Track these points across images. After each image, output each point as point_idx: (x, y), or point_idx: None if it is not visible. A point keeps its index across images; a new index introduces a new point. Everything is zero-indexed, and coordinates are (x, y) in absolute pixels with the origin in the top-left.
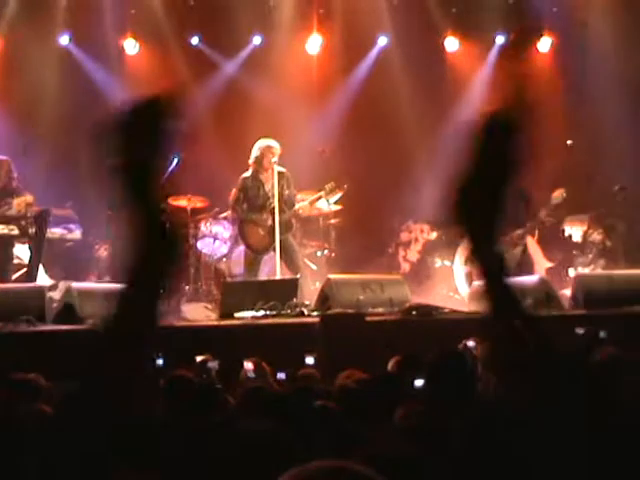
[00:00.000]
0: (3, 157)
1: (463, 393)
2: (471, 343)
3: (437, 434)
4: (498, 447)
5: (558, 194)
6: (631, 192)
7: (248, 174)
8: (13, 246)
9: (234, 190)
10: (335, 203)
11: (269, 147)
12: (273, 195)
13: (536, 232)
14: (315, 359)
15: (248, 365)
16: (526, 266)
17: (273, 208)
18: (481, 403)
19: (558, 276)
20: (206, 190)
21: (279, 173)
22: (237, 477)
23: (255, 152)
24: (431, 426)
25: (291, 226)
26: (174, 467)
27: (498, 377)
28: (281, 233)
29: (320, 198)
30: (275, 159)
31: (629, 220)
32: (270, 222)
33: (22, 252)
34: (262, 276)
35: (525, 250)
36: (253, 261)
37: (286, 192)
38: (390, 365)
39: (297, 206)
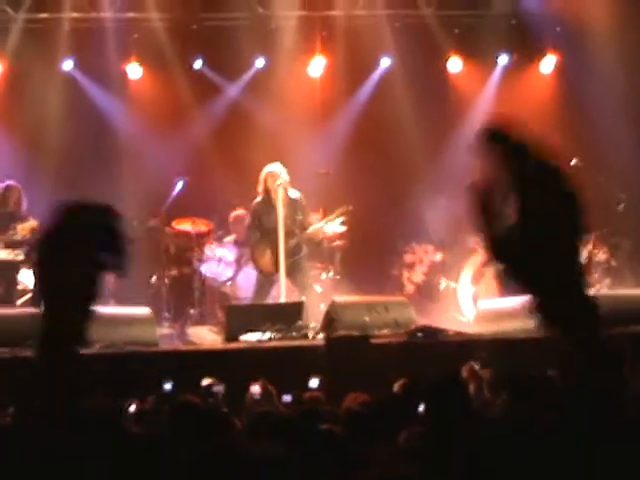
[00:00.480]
0: (14, 183)
1: (462, 415)
2: (477, 365)
3: (439, 456)
4: (499, 468)
5: None
6: (636, 209)
7: (258, 199)
8: (18, 271)
9: (249, 216)
10: (340, 225)
11: (270, 172)
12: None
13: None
14: (320, 381)
15: (255, 388)
16: None
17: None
18: (482, 424)
19: None
20: (208, 213)
21: (291, 199)
22: None
23: (260, 183)
24: (433, 448)
25: (300, 250)
26: None
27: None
28: (290, 256)
29: (324, 231)
30: (279, 181)
31: (634, 238)
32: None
33: (27, 277)
34: (269, 299)
35: None
36: (263, 285)
37: (299, 217)
38: (396, 388)
39: (309, 230)
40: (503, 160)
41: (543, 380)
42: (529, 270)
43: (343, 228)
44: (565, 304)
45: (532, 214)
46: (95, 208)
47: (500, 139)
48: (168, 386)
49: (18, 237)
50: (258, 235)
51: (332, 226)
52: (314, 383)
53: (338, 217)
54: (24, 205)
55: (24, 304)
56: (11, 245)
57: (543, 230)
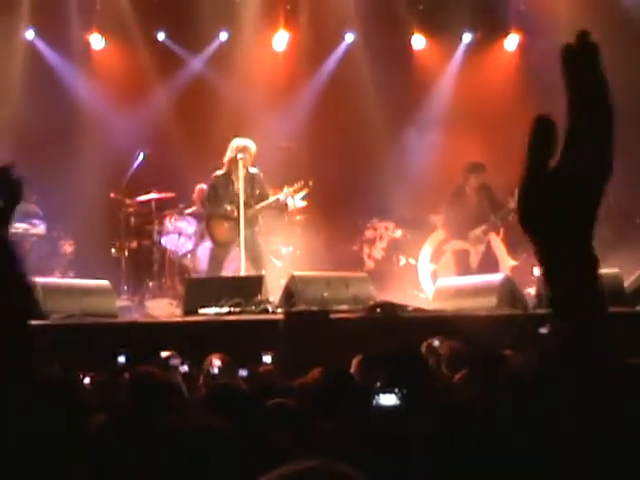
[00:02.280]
0: None
1: (421, 388)
2: (436, 342)
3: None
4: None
5: None
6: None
7: (220, 172)
8: None
9: (206, 187)
10: (301, 200)
11: (245, 147)
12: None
13: (501, 229)
14: (273, 356)
15: (215, 361)
16: (490, 263)
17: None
18: (441, 399)
19: (523, 275)
20: (171, 186)
21: (250, 174)
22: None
23: (230, 152)
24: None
25: (256, 222)
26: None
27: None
28: (247, 228)
29: (283, 200)
30: (242, 156)
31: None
32: (235, 215)
33: None
34: (228, 273)
35: (489, 247)
36: (217, 257)
37: (257, 192)
38: (353, 364)
39: (260, 205)
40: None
41: (500, 359)
42: (552, 224)
43: (304, 203)
44: (578, 277)
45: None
46: None
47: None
48: (122, 359)
49: None
50: (215, 207)
51: (293, 200)
52: (267, 359)
53: (299, 192)
54: None
55: None
56: None
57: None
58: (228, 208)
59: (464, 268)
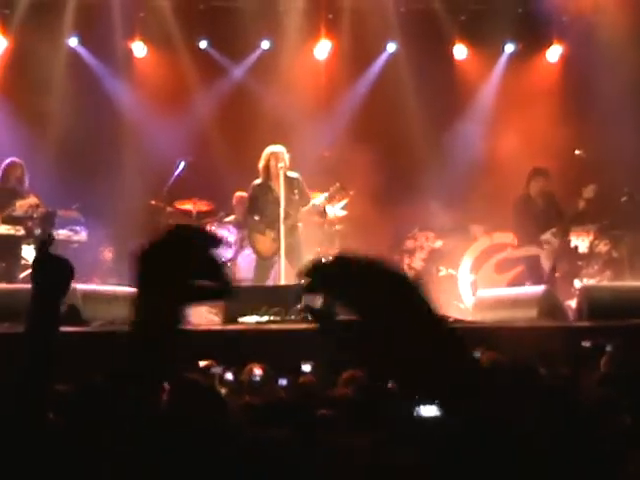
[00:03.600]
0: (17, 160)
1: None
2: (477, 354)
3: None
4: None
5: (590, 189)
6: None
7: (258, 181)
8: (20, 246)
9: (247, 198)
10: (341, 209)
11: (273, 153)
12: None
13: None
14: (313, 366)
15: (256, 370)
16: (567, 264)
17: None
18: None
19: (564, 287)
20: (212, 194)
21: (289, 178)
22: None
23: (263, 159)
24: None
25: (296, 230)
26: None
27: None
28: (288, 235)
29: (325, 200)
30: (281, 164)
31: (636, 230)
32: (277, 228)
33: (28, 253)
34: (270, 282)
35: (565, 247)
36: (262, 267)
37: (296, 198)
38: None
39: (309, 204)
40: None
41: (530, 372)
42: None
43: (344, 212)
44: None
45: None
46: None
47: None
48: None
49: (18, 213)
50: (255, 218)
51: (333, 209)
52: (307, 368)
53: (339, 200)
54: (26, 182)
55: (24, 279)
56: (10, 221)
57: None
58: (271, 222)
59: (536, 273)
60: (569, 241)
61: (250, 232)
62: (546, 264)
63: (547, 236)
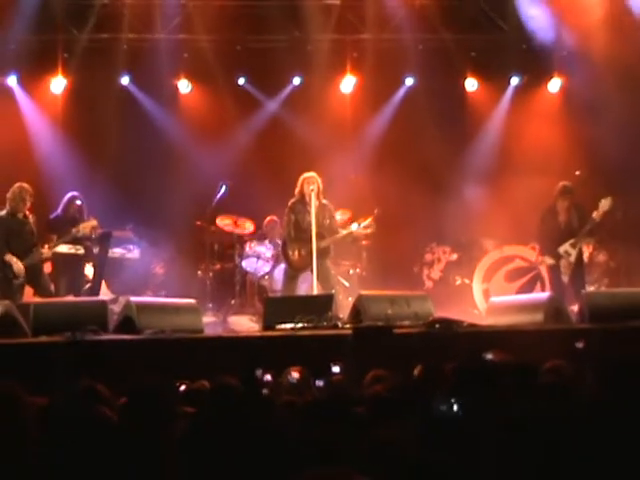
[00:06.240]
0: (76, 194)
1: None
2: (489, 356)
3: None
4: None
5: (607, 202)
6: (633, 218)
7: (295, 199)
8: (82, 263)
9: (285, 213)
10: (365, 227)
11: (306, 178)
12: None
13: (591, 240)
14: (342, 367)
15: (294, 373)
16: (580, 274)
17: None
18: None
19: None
20: (250, 214)
21: (321, 205)
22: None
23: (300, 184)
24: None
25: (329, 252)
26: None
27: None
28: (320, 257)
29: (354, 234)
30: (313, 187)
31: (629, 242)
32: (310, 245)
33: (87, 269)
34: (301, 292)
35: (580, 258)
36: (291, 278)
37: (327, 222)
38: (415, 372)
39: (332, 238)
40: None
41: (533, 371)
42: None
43: (369, 230)
44: None
45: None
46: None
47: None
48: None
49: (80, 234)
50: (292, 233)
51: (359, 227)
52: (336, 369)
53: (365, 219)
54: (85, 211)
55: (83, 293)
56: (72, 242)
57: None
58: (305, 239)
59: (556, 281)
60: (582, 252)
61: (285, 244)
62: (564, 273)
63: (566, 247)
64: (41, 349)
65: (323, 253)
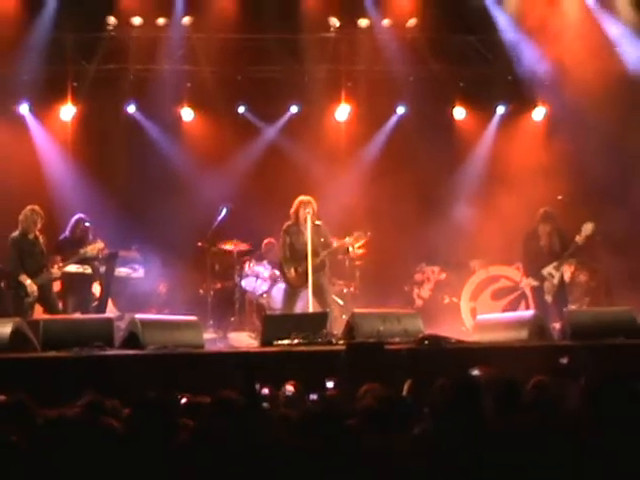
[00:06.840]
0: (83, 216)
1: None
2: (475, 371)
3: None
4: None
5: (589, 226)
6: (611, 241)
7: (290, 222)
8: (89, 282)
9: (281, 235)
10: (359, 248)
11: (302, 201)
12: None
13: (573, 262)
14: (335, 382)
15: (289, 387)
16: (562, 295)
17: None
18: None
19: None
20: (249, 236)
21: (315, 225)
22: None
23: (295, 207)
24: (443, 443)
25: (324, 266)
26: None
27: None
28: (315, 271)
29: (346, 245)
30: (308, 210)
31: (608, 264)
32: (305, 263)
33: (94, 288)
34: (297, 310)
35: (562, 280)
36: (291, 297)
37: (322, 240)
38: (405, 387)
39: (326, 251)
40: None
41: (515, 387)
42: None
43: (362, 251)
44: None
45: None
46: None
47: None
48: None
49: (87, 255)
50: (288, 254)
51: (353, 248)
52: (330, 384)
53: (358, 240)
54: (91, 232)
55: (91, 311)
56: (80, 262)
57: None
58: (301, 258)
59: (540, 300)
60: (563, 273)
61: (282, 264)
62: (547, 294)
63: (549, 269)
64: (50, 363)
65: (319, 267)
